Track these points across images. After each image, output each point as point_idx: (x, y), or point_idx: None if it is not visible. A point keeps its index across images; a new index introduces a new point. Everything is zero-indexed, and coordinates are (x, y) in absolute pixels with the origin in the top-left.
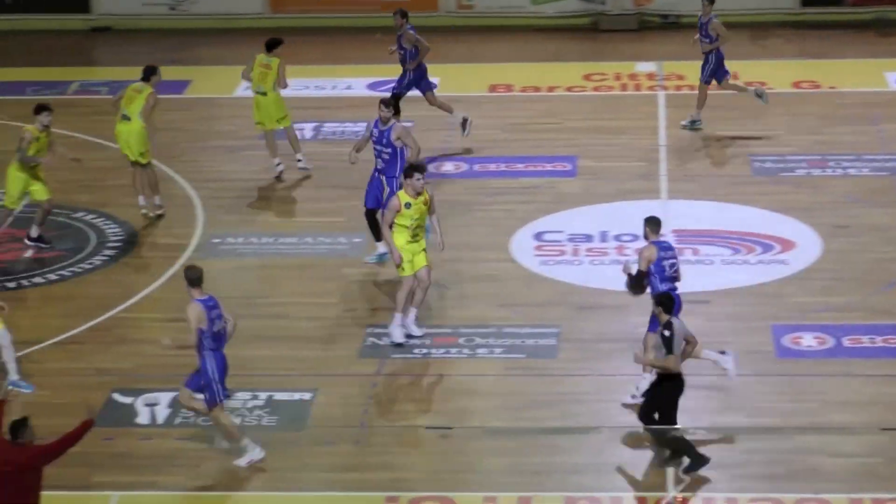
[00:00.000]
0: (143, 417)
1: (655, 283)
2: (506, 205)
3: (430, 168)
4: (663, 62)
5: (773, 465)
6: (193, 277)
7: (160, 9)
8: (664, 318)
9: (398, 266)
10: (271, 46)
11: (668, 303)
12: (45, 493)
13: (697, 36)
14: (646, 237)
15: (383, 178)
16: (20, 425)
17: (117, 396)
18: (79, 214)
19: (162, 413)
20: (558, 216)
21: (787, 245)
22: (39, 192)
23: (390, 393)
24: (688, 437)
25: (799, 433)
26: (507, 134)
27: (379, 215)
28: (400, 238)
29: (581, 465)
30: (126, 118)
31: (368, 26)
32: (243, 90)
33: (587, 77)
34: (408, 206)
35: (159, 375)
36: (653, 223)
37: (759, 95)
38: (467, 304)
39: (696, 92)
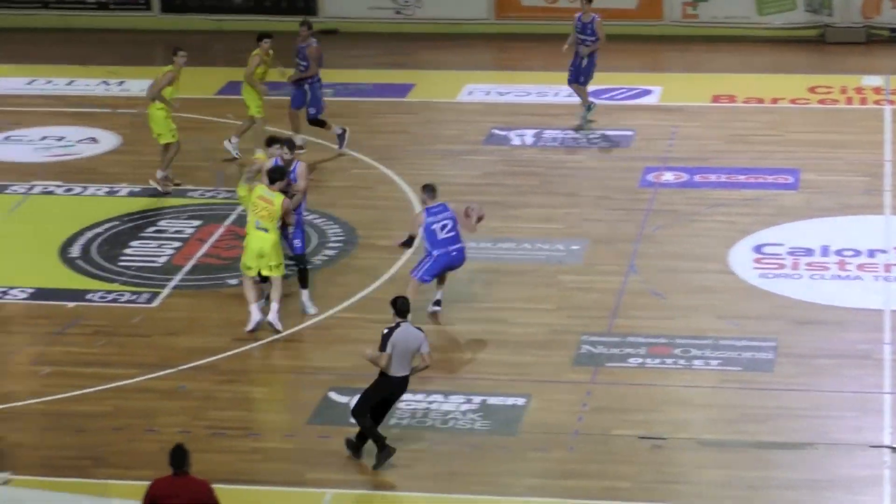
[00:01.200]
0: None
1: (427, 245)
2: (726, 216)
3: (650, 177)
4: (891, 76)
5: None
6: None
7: (386, 13)
8: (395, 320)
9: None
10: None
11: (401, 306)
12: (260, 489)
13: None
14: (423, 203)
15: None
16: (183, 456)
17: (334, 395)
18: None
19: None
20: (779, 229)
21: None
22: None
23: (604, 401)
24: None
25: None
26: (729, 145)
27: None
28: None
29: (796, 481)
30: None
31: None
32: (466, 95)
33: (812, 89)
34: None
35: (375, 375)
36: (428, 190)
37: None
38: (684, 314)
39: None
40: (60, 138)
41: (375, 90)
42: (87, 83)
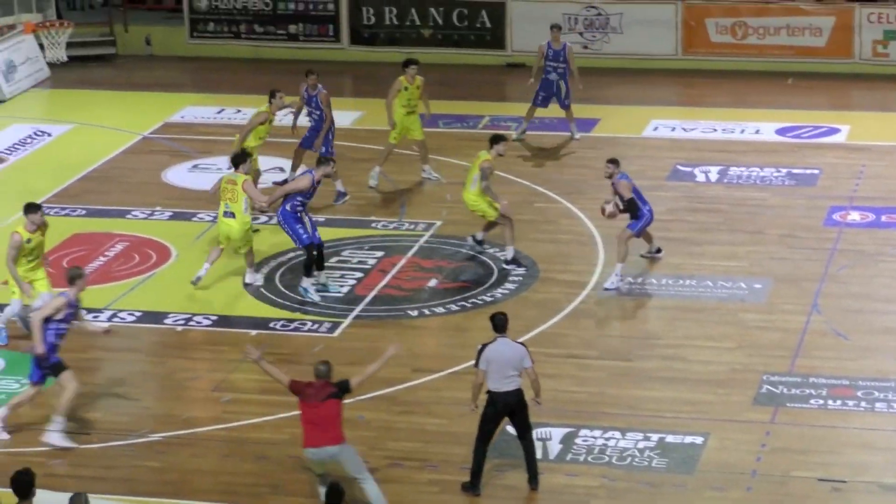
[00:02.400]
0: (552, 453)
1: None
2: None
3: (836, 216)
4: None
5: None
6: None
7: (574, 47)
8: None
9: None
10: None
11: (498, 322)
12: None
13: None
14: (611, 175)
15: None
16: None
17: (511, 429)
18: (483, 247)
19: (554, 448)
20: None
21: None
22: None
23: (784, 442)
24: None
25: None
26: None
27: None
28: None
29: None
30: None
31: (779, 71)
32: (652, 130)
33: None
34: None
35: (553, 410)
36: (615, 162)
37: None
38: (867, 356)
39: None
40: None
41: (561, 124)
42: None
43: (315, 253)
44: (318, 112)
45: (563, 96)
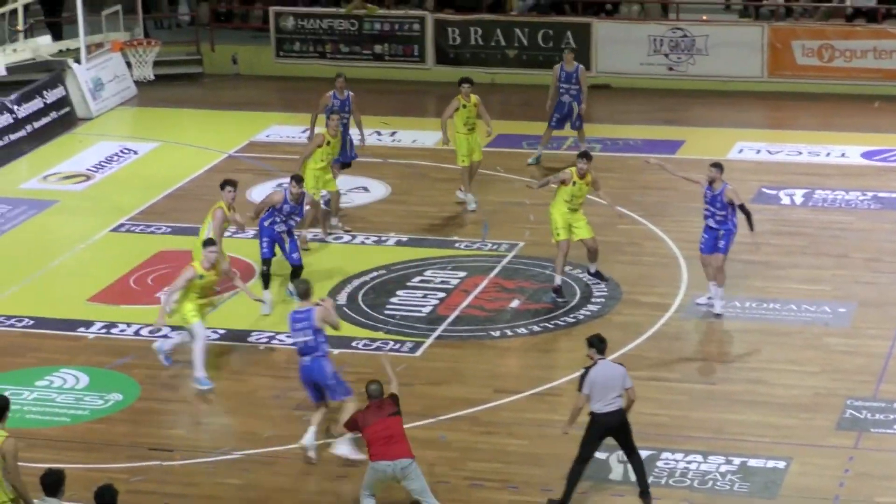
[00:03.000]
0: (615, 474)
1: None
2: None
3: None
4: None
5: None
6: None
7: (659, 69)
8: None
9: None
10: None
11: (598, 344)
12: None
13: None
14: (711, 181)
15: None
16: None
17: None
18: (565, 268)
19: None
20: None
21: None
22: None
23: (867, 467)
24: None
25: None
26: None
27: None
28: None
29: None
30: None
31: (866, 94)
32: (737, 152)
33: None
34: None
35: (635, 432)
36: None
37: None
38: None
39: None
40: None
41: (645, 146)
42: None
43: (266, 269)
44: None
45: (573, 117)
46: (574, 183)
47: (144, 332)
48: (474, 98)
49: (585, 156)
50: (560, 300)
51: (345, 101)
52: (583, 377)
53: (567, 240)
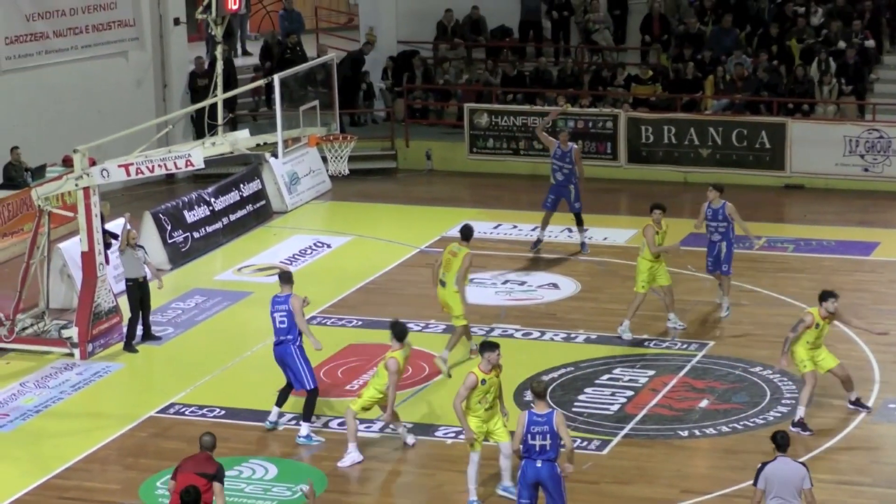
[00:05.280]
0: None
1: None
2: None
3: None
4: None
5: None
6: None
7: (853, 169)
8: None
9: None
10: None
11: (780, 441)
12: None
13: None
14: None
15: None
16: None
17: None
18: (756, 369)
19: None
20: None
21: None
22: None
23: None
24: None
25: None
26: None
27: None
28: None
29: None
30: (442, 283)
31: None
32: None
33: None
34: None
35: None
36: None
37: None
38: None
39: None
40: (522, 283)
41: (839, 247)
42: (551, 230)
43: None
44: (569, 167)
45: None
46: (817, 325)
47: (334, 424)
48: (665, 223)
49: (832, 295)
50: (805, 433)
51: (567, 152)
52: (759, 471)
53: (813, 371)
